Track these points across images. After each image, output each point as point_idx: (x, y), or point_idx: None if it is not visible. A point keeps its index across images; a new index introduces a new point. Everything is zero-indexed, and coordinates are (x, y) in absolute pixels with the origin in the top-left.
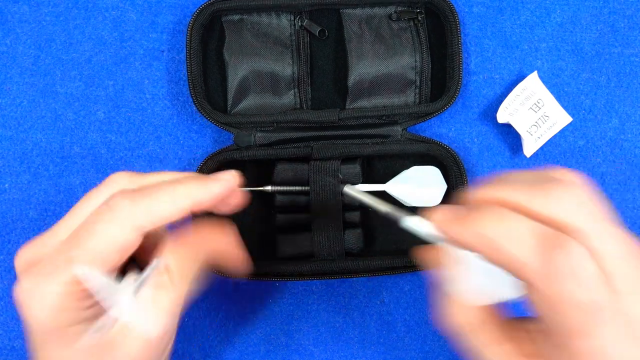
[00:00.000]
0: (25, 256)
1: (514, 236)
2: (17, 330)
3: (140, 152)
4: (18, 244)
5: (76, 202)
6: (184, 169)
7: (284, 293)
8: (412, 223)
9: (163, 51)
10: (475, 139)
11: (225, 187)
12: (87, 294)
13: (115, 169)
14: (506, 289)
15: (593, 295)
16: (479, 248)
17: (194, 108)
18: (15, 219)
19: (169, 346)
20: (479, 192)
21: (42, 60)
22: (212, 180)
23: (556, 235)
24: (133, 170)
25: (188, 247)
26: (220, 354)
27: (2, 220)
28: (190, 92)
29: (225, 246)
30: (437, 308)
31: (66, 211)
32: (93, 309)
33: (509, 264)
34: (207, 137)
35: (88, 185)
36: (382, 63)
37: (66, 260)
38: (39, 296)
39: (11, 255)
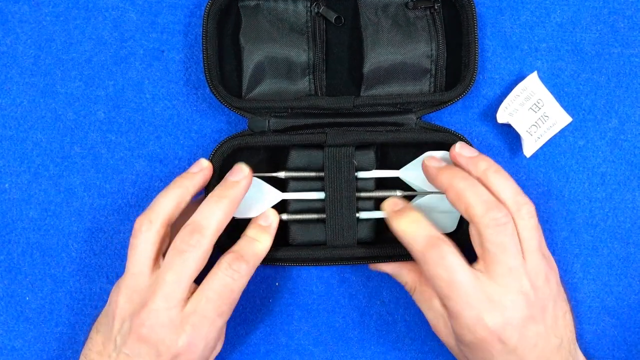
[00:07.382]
0: (127, 298)
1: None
2: (17, 330)
3: (140, 152)
4: (18, 244)
5: (77, 202)
6: (183, 169)
7: (284, 293)
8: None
9: (163, 51)
10: (475, 139)
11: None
12: None
13: (116, 168)
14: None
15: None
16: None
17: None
18: (15, 219)
19: None
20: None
21: (42, 60)
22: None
23: (496, 202)
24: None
25: None
26: (220, 354)
27: (2, 220)
28: (206, 76)
29: None
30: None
31: (66, 211)
32: None
33: (466, 207)
34: (207, 138)
35: (88, 185)
36: (397, 51)
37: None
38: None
39: (11, 255)
